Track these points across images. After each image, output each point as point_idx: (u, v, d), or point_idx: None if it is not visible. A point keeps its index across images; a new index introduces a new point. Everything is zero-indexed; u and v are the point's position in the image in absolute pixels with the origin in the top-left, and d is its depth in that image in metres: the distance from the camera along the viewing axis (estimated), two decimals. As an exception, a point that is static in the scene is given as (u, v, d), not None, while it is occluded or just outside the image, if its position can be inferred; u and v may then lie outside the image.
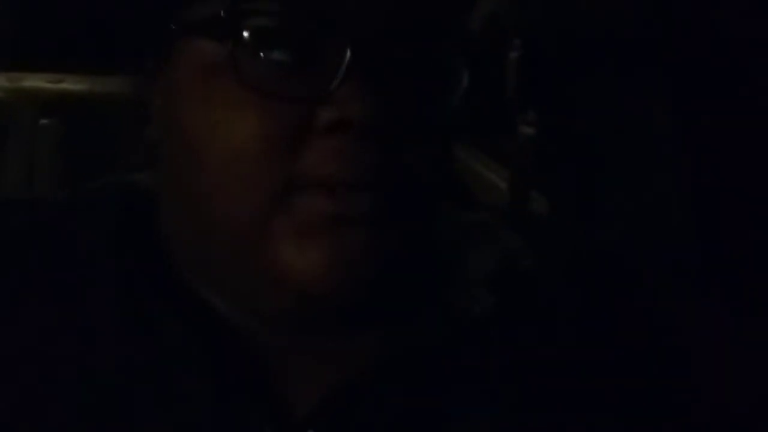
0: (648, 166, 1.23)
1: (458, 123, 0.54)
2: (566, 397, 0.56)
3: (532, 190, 1.27)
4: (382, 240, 0.51)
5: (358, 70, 0.48)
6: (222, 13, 0.50)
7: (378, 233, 0.50)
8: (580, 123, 1.27)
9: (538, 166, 1.27)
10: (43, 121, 1.28)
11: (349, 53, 0.48)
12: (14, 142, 1.27)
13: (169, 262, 0.56)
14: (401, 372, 0.55)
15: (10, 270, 0.57)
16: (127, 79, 0.58)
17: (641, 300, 0.63)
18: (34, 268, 0.57)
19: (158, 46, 0.54)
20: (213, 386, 0.53)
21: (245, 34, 0.49)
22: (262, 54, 0.49)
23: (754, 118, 1.14)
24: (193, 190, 0.52)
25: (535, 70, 1.24)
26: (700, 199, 1.20)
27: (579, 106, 1.27)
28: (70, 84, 1.28)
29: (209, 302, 0.55)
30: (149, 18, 0.54)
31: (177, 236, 0.56)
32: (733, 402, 0.62)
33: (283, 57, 0.49)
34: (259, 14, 0.49)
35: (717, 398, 0.60)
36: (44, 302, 0.56)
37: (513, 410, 0.55)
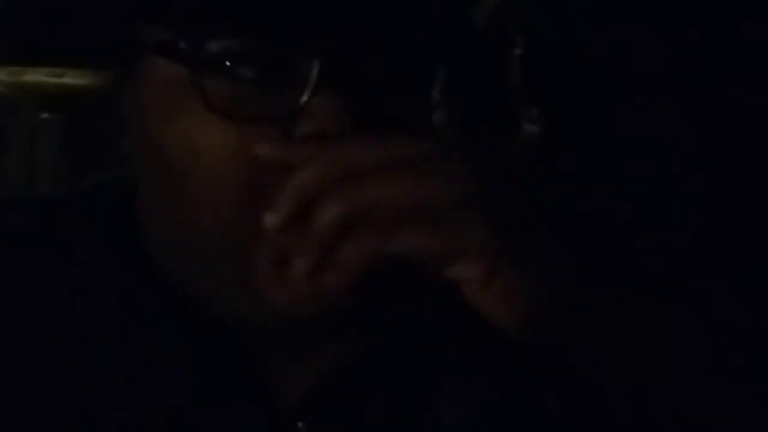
0: (652, 168, 1.22)
1: (440, 118, 0.53)
2: (556, 388, 0.55)
3: (535, 187, 1.27)
4: None
5: (328, 81, 0.47)
6: (178, 38, 0.48)
7: None
8: (584, 121, 1.27)
9: (541, 165, 1.27)
10: (44, 116, 1.28)
11: (317, 66, 0.47)
12: (15, 136, 1.27)
13: None
14: (390, 361, 0.54)
15: (7, 269, 0.57)
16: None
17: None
18: (32, 267, 0.57)
19: (121, 59, 0.52)
20: (205, 380, 0.53)
21: (205, 58, 0.47)
22: (225, 76, 0.48)
23: (758, 113, 1.13)
24: (171, 209, 0.51)
25: (539, 68, 1.23)
26: (704, 200, 1.20)
27: (583, 104, 1.27)
28: (72, 78, 1.27)
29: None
30: (108, 30, 0.53)
31: (158, 243, 0.55)
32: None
33: (248, 77, 0.48)
34: (216, 37, 0.48)
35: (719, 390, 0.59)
36: (41, 301, 0.56)
37: (502, 399, 0.55)
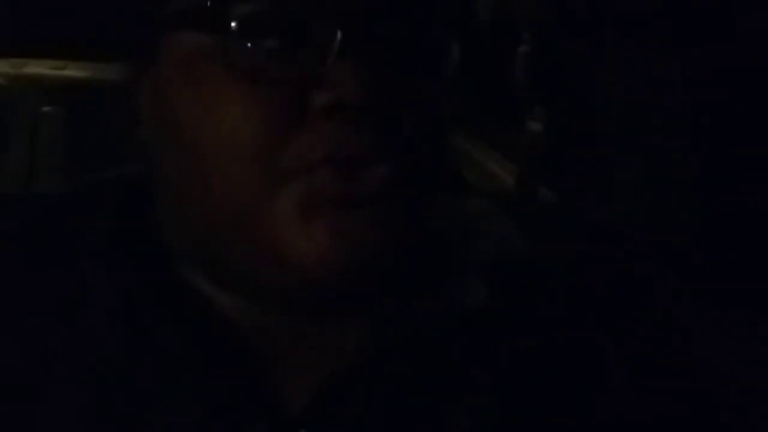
0: (658, 164, 1.22)
1: (451, 98, 0.54)
2: (561, 389, 0.55)
3: (540, 185, 1.27)
4: (387, 221, 0.50)
5: (349, 50, 0.48)
6: (207, 3, 0.50)
7: (383, 214, 0.50)
8: (589, 118, 1.26)
9: (545, 161, 1.26)
10: (46, 108, 1.27)
11: (339, 34, 0.48)
12: (16, 129, 1.27)
13: (167, 257, 0.56)
14: (394, 365, 0.54)
15: (8, 268, 0.57)
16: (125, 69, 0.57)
17: (641, 292, 0.62)
18: (32, 266, 0.57)
19: (141, 44, 0.54)
20: (207, 384, 0.53)
21: (233, 22, 0.49)
22: (251, 41, 0.49)
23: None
24: (190, 178, 0.52)
25: (544, 66, 1.23)
26: (709, 196, 1.20)
27: (588, 102, 1.26)
28: (73, 71, 1.27)
29: (206, 297, 0.55)
30: (129, 15, 0.54)
31: (174, 228, 0.55)
32: (731, 394, 0.60)
33: (273, 42, 0.49)
34: (244, 1, 0.49)
35: (714, 387, 0.59)
36: (41, 300, 0.56)
37: (508, 401, 0.55)
